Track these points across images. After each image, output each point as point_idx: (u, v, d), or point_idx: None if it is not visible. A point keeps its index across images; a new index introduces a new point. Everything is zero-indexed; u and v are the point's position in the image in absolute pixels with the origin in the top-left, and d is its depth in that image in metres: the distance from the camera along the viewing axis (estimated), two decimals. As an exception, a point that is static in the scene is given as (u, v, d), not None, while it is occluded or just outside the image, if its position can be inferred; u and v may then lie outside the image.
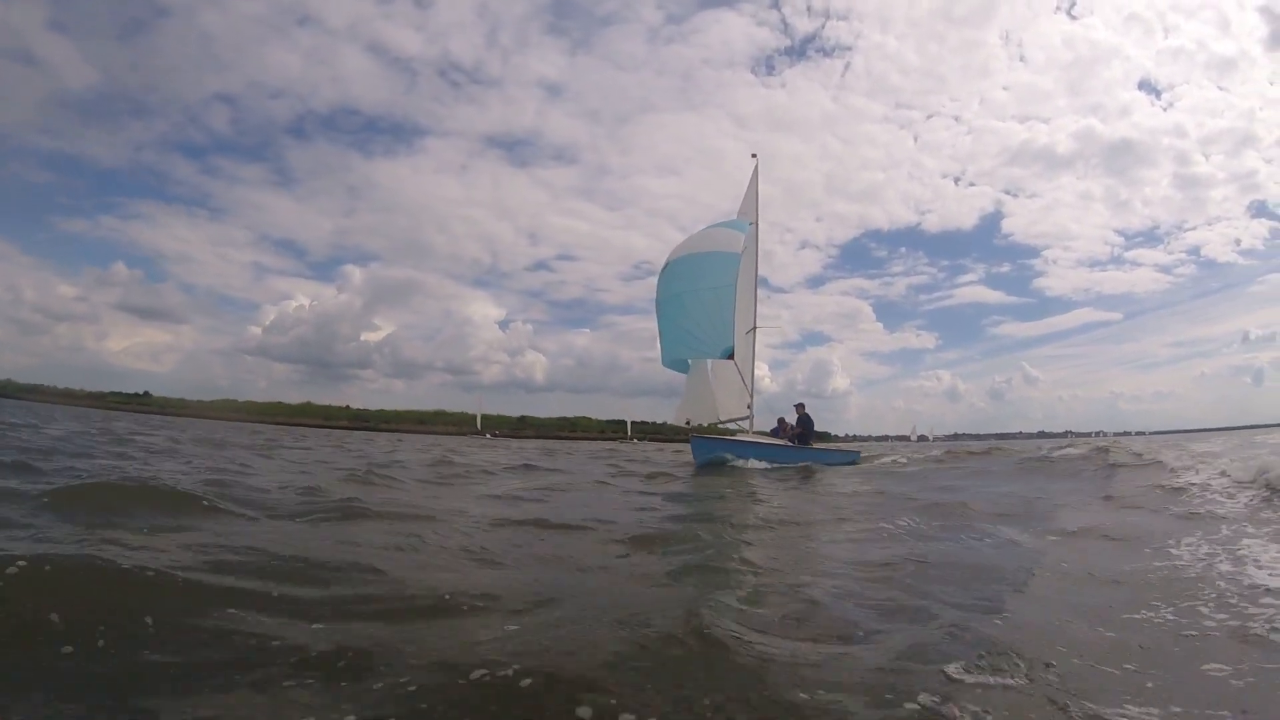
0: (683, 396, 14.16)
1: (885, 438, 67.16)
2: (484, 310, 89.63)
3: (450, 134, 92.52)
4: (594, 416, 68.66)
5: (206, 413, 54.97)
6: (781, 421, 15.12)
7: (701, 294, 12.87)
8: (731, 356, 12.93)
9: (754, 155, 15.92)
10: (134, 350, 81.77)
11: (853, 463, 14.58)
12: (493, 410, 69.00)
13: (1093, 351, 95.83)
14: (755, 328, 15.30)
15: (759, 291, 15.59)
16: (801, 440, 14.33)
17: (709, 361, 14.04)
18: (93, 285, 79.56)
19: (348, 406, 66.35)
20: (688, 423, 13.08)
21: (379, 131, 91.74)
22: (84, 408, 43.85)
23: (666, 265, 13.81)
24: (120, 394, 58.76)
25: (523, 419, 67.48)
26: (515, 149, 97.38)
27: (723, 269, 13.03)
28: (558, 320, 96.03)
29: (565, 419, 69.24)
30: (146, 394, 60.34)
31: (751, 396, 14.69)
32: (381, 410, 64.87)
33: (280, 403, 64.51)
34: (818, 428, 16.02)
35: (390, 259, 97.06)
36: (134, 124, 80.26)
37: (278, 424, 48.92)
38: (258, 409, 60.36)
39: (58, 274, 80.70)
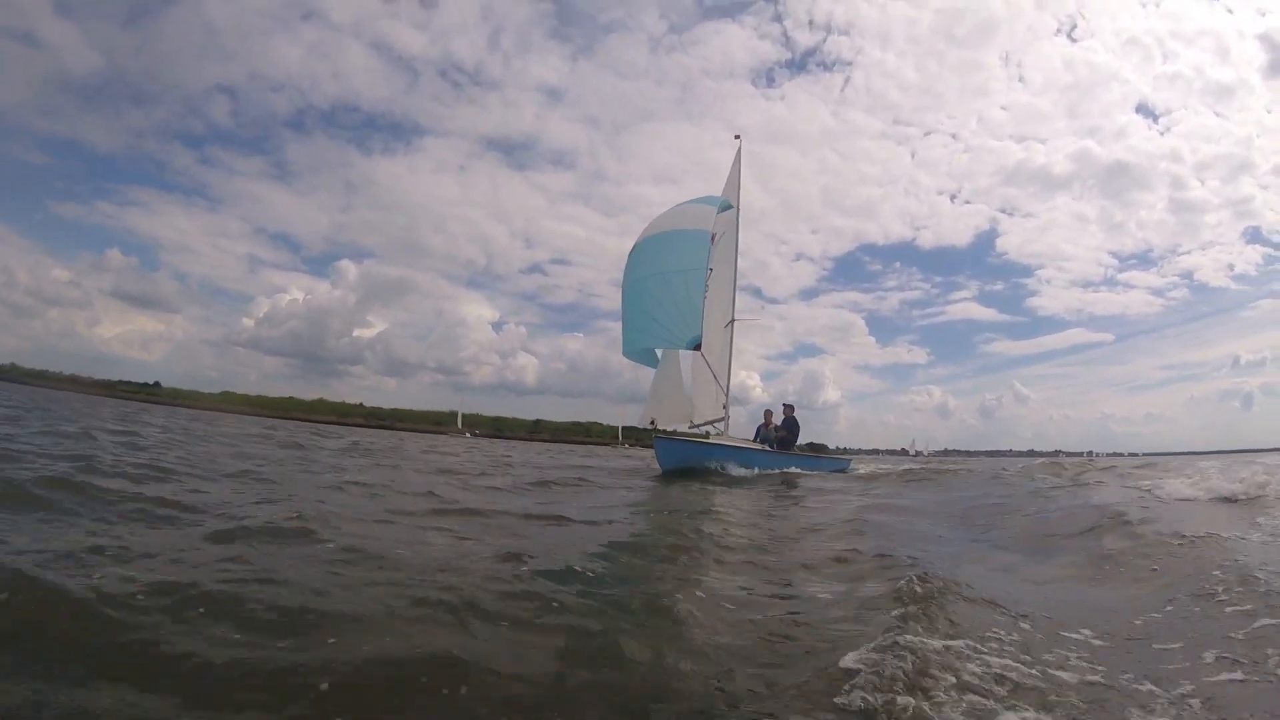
0: (649, 394, 12.63)
1: (876, 451, 66.93)
2: (477, 311, 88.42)
3: (449, 134, 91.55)
4: (584, 421, 67.88)
5: (219, 406, 53.81)
6: (768, 415, 13.68)
7: (669, 278, 11.61)
8: (698, 348, 11.62)
9: (737, 137, 15.02)
10: (125, 338, 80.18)
11: (842, 470, 13.29)
12: (506, 413, 68.38)
13: (1084, 372, 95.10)
14: (734, 320, 14.02)
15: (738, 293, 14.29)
16: (783, 445, 13.03)
17: (681, 355, 12.63)
18: (86, 270, 77.80)
19: (361, 404, 65.24)
20: (653, 424, 11.83)
21: (378, 129, 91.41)
22: (98, 397, 42.63)
23: (634, 248, 12.55)
24: (130, 384, 57.44)
25: (538, 422, 66.74)
26: (513, 152, 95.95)
27: (693, 249, 11.73)
28: (550, 324, 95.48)
29: (579, 424, 68.79)
30: (157, 384, 59.11)
31: (727, 395, 13.35)
32: (396, 410, 63.72)
33: (292, 398, 63.37)
34: (810, 439, 15.05)
35: (385, 256, 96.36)
36: (134, 111, 79.41)
37: (293, 420, 47.84)
38: (270, 403, 59.14)
39: (52, 257, 79.26)
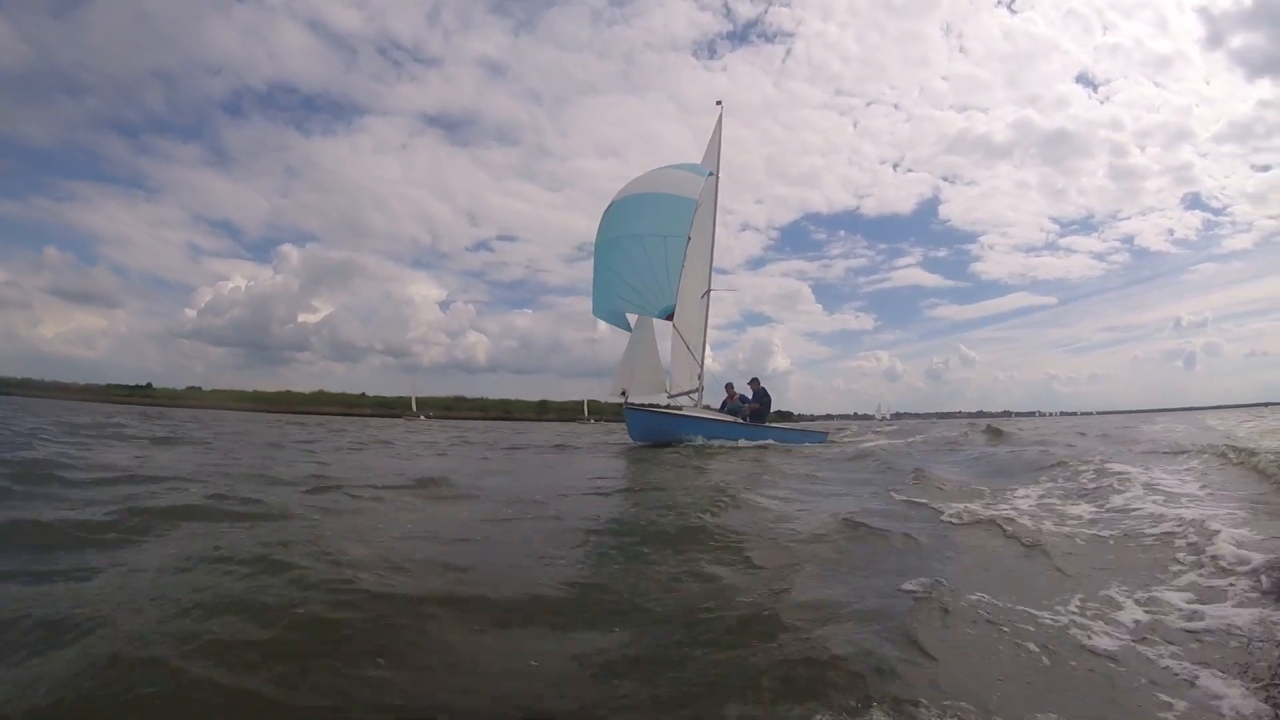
0: (620, 364, 12.12)
1: (829, 416, 68.96)
2: (424, 291, 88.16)
3: (390, 113, 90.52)
4: (552, 399, 68.60)
5: (220, 404, 52.59)
6: (729, 388, 13.32)
7: (646, 240, 11.17)
8: (670, 318, 11.27)
9: (719, 102, 14.37)
10: (67, 336, 77.74)
11: (820, 443, 13.03)
12: (457, 392, 68.33)
13: (1028, 334, 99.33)
14: (709, 291, 13.53)
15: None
16: (757, 417, 13.01)
17: (656, 325, 12.34)
18: (24, 269, 75.22)
19: (364, 394, 64.63)
20: (623, 395, 11.41)
21: (317, 110, 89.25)
22: (98, 404, 41.28)
23: (611, 205, 12.00)
24: (122, 387, 55.10)
25: (543, 403, 67.41)
26: (455, 129, 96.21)
27: (675, 215, 11.27)
28: (499, 301, 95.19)
29: (576, 402, 69.76)
30: (149, 386, 56.94)
31: (701, 367, 13.10)
32: (399, 397, 63.44)
33: (289, 391, 62.17)
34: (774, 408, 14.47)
35: (328, 239, 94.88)
36: (67, 102, 76.02)
37: (303, 414, 47.44)
38: (269, 398, 58.06)
39: (-13, 257, 74.01)
